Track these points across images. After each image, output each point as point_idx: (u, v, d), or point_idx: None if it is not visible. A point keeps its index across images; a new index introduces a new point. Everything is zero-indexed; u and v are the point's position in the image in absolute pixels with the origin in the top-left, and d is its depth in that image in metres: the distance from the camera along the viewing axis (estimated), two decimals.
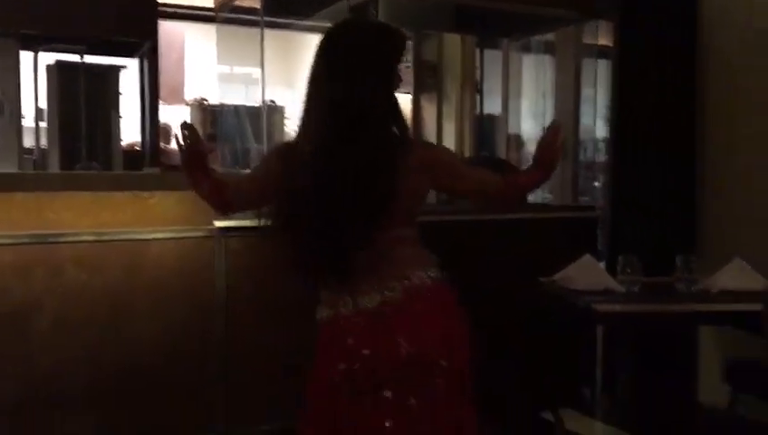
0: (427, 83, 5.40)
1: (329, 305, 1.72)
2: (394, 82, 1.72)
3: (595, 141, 4.60)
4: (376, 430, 1.63)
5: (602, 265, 3.20)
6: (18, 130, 4.08)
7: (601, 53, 4.22)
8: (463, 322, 1.74)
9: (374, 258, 1.66)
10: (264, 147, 3.16)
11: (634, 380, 3.37)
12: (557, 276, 2.53)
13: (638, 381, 3.36)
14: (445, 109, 5.32)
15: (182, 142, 1.71)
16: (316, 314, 1.76)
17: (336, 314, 1.70)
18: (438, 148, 1.82)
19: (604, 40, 4.18)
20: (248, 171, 1.90)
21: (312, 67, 1.71)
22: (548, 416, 2.51)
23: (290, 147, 1.76)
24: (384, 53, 1.71)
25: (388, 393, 1.64)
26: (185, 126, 1.72)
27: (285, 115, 5.59)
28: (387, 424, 1.62)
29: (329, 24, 1.82)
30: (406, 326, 1.66)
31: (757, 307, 2.30)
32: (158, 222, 2.69)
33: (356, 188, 1.61)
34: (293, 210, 1.66)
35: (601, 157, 4.92)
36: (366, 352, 1.65)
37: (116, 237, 2.62)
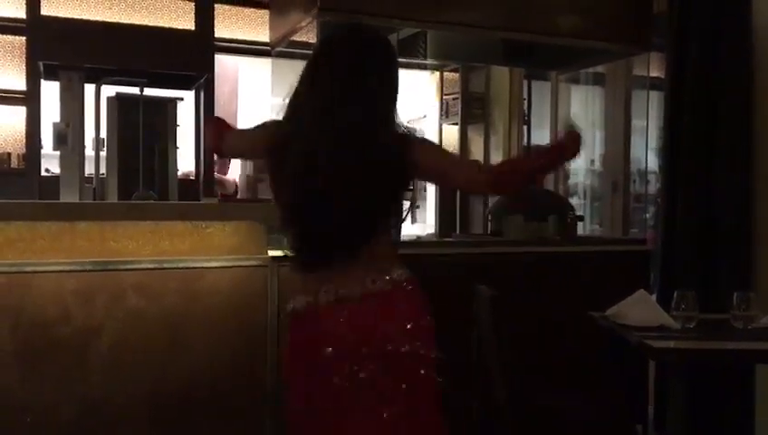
0: (474, 115, 5.43)
1: (306, 293, 1.79)
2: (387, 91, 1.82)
3: (645, 173, 4.56)
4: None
5: (653, 298, 3.17)
6: (81, 160, 4.23)
7: (652, 84, 4.20)
8: (431, 317, 1.83)
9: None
10: None
11: (687, 418, 3.30)
12: (609, 311, 2.51)
13: (692, 420, 3.29)
14: (492, 140, 5.34)
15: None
16: (288, 305, 1.84)
17: (315, 301, 1.77)
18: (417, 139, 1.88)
19: (655, 71, 4.16)
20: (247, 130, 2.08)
21: (308, 70, 1.82)
22: None
23: (279, 128, 1.86)
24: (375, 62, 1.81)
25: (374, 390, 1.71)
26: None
27: None
28: (384, 415, 1.70)
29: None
30: (388, 316, 1.73)
31: None
32: (214, 251, 2.76)
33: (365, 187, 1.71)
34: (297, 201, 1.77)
35: (652, 189, 4.86)
36: (349, 337, 1.72)
37: (174, 265, 2.70)
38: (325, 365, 1.74)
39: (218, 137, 2.05)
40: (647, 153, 4.32)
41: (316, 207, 1.73)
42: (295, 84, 1.83)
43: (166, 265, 2.69)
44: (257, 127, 1.99)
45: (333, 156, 1.71)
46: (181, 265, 2.71)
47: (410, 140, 1.79)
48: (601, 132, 4.74)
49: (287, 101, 1.84)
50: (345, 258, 1.75)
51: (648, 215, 4.87)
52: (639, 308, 2.42)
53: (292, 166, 1.75)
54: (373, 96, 1.79)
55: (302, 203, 1.76)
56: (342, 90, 1.75)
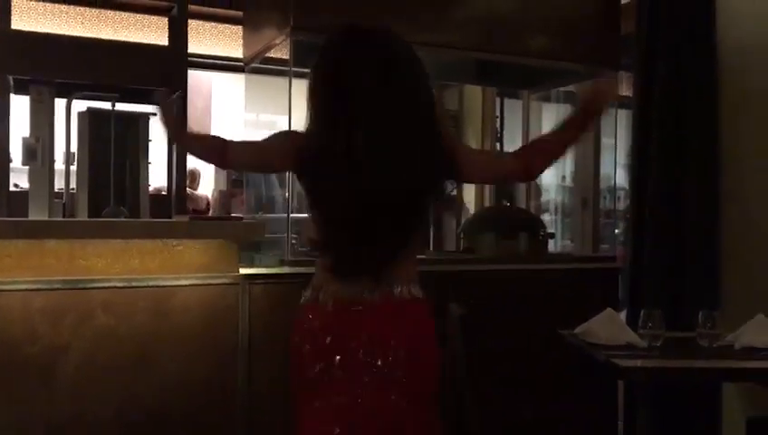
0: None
1: (315, 289, 1.80)
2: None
3: (615, 190, 4.64)
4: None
5: (623, 315, 3.21)
6: (50, 175, 4.19)
7: (621, 103, 4.27)
8: (434, 345, 1.81)
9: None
10: (288, 192, 3.23)
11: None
12: (578, 330, 2.54)
13: None
14: None
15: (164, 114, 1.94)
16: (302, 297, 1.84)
17: (314, 298, 1.78)
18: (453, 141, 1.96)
19: (623, 90, 4.23)
20: (255, 140, 1.97)
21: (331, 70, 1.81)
22: None
23: (301, 137, 1.82)
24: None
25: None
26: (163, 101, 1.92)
27: None
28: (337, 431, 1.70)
29: None
30: (373, 327, 1.72)
31: None
32: (184, 269, 2.74)
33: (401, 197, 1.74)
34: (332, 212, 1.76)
35: (622, 205, 4.93)
36: (328, 339, 1.73)
37: (144, 284, 2.68)
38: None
39: (211, 147, 1.91)
40: (615, 170, 4.39)
41: (375, 215, 1.73)
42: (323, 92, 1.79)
43: (135, 284, 2.66)
44: (271, 138, 1.90)
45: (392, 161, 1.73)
46: (151, 283, 2.69)
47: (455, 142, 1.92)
48: (572, 149, 4.79)
49: (311, 113, 1.80)
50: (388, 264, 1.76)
51: (617, 230, 4.93)
52: (607, 326, 2.45)
53: (354, 180, 1.70)
54: (428, 96, 1.87)
55: (360, 212, 1.73)
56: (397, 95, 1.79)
